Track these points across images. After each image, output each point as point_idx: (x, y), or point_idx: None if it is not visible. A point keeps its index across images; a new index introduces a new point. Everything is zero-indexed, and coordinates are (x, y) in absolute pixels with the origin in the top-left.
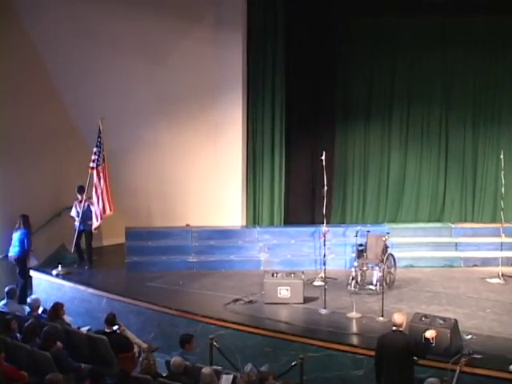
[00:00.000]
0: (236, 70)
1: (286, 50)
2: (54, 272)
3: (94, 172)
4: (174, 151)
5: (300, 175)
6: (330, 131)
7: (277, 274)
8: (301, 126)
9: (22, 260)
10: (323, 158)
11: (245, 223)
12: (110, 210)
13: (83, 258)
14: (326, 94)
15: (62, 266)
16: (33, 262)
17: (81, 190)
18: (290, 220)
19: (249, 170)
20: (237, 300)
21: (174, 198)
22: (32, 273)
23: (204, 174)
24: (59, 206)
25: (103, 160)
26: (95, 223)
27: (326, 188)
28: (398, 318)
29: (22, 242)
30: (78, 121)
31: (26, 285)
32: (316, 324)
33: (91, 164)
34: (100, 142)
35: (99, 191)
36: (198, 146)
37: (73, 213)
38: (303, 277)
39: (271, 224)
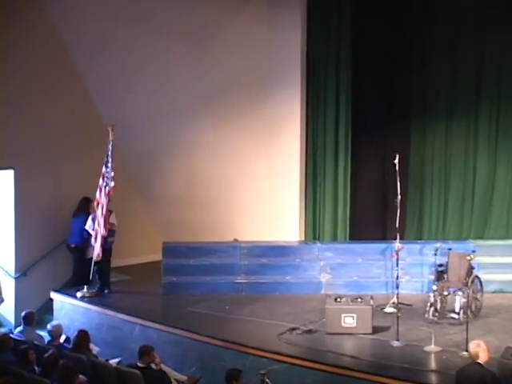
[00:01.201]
0: (293, 58)
1: (353, 36)
2: (79, 294)
3: (101, 190)
4: (219, 154)
5: (369, 182)
6: (405, 131)
7: (340, 298)
8: (370, 125)
9: (80, 249)
10: (396, 161)
11: (303, 238)
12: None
13: (101, 281)
14: (400, 88)
15: (88, 288)
16: (93, 252)
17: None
18: (357, 235)
19: (308, 177)
20: (293, 329)
21: (220, 209)
22: (52, 295)
23: (255, 181)
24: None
25: (112, 180)
26: (98, 249)
27: (399, 197)
28: (473, 348)
29: (81, 230)
30: (109, 119)
31: (81, 278)
32: (387, 359)
33: (100, 182)
34: (109, 160)
35: (104, 211)
36: (248, 148)
37: (88, 225)
38: (372, 302)
39: (334, 240)
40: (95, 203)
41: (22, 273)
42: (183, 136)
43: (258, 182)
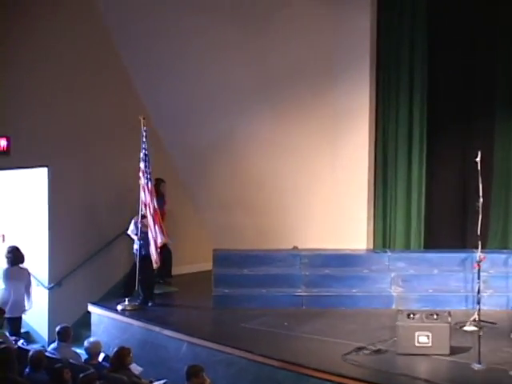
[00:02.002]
0: (361, 41)
1: (429, 15)
2: (120, 307)
3: (145, 190)
4: (277, 151)
5: (446, 184)
6: (488, 125)
7: (414, 314)
8: (448, 119)
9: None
10: (478, 160)
11: (371, 246)
12: (165, 239)
13: (145, 293)
14: (484, 76)
15: (129, 300)
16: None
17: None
18: (432, 243)
19: (377, 177)
20: (360, 349)
21: (278, 213)
22: (90, 308)
23: (317, 181)
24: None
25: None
26: (154, 255)
27: (481, 200)
28: None
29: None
30: (155, 113)
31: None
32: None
33: (141, 181)
34: (146, 152)
35: (152, 211)
36: (311, 144)
37: (130, 230)
38: (450, 319)
39: (407, 248)
40: (141, 205)
41: (57, 283)
42: (237, 131)
43: (320, 183)
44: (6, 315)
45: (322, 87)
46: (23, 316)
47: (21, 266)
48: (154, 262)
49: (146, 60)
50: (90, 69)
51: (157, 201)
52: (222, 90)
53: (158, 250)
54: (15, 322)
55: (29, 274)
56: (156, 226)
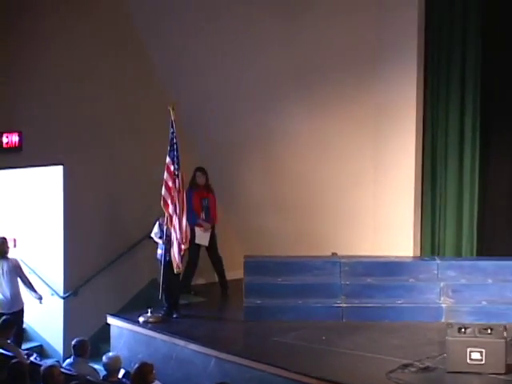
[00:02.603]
0: (409, 28)
1: (483, 8)
2: (141, 319)
3: (172, 188)
4: (315, 148)
5: (502, 184)
6: None
7: (466, 328)
8: (504, 113)
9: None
10: None
11: (418, 253)
12: (186, 242)
13: (169, 303)
14: None
15: (152, 312)
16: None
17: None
18: (486, 249)
19: (425, 177)
20: (406, 366)
21: (315, 216)
22: (109, 319)
23: (359, 182)
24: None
25: (178, 168)
26: (176, 259)
27: None
28: None
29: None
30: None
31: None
32: None
33: (165, 175)
34: (174, 142)
35: (178, 211)
36: (352, 141)
37: (154, 232)
38: (505, 334)
39: (458, 255)
40: (162, 203)
41: (73, 291)
42: (270, 126)
43: (362, 183)
44: (3, 311)
45: (364, 78)
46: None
47: (8, 257)
48: (175, 266)
49: (172, 51)
50: (111, 57)
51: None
52: (254, 83)
53: (182, 252)
54: (15, 318)
55: (18, 264)
56: (180, 230)
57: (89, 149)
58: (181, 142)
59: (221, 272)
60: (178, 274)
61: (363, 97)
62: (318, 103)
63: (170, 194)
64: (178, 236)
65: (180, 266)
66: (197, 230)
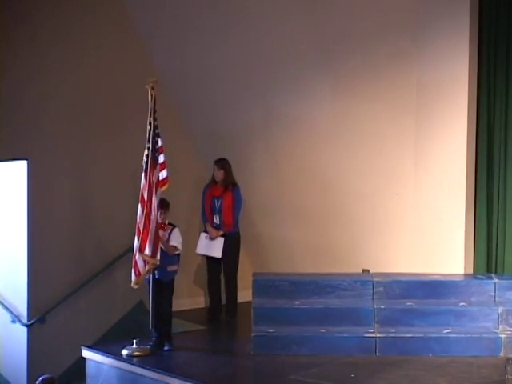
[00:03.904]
0: None
1: None
2: (125, 352)
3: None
4: (340, 140)
5: None
6: None
7: None
8: None
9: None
10: None
11: (471, 271)
12: (152, 254)
13: (159, 332)
14: None
15: (138, 343)
16: None
17: (164, 206)
18: None
19: (479, 175)
20: None
21: (342, 225)
22: (85, 353)
23: (396, 183)
24: None
25: (153, 163)
26: (132, 275)
27: None
28: None
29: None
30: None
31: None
32: None
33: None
34: (153, 130)
35: (142, 215)
36: (386, 132)
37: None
38: None
39: None
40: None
41: (39, 318)
42: (283, 112)
43: (400, 186)
44: None
45: (405, 53)
46: None
47: None
48: (132, 282)
49: (163, 23)
50: (91, 36)
51: None
52: (263, 58)
53: (147, 268)
54: None
55: None
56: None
57: (59, 142)
58: (175, 131)
59: (229, 293)
60: (171, 296)
61: (401, 74)
62: (345, 82)
63: (141, 193)
64: (146, 247)
65: (137, 282)
66: (201, 236)
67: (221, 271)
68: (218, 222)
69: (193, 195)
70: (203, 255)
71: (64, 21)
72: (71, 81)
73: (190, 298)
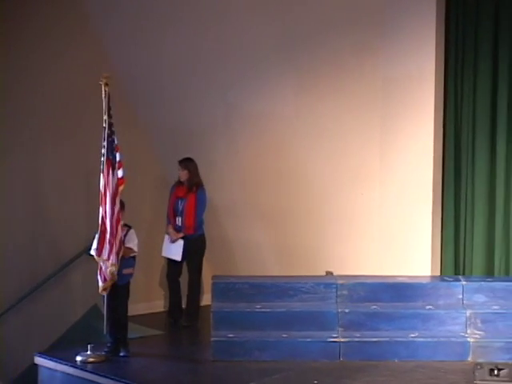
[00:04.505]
0: None
1: None
2: (79, 358)
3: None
4: (303, 138)
5: None
6: None
7: (499, 370)
8: None
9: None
10: None
11: (438, 272)
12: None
13: (114, 338)
14: None
15: (93, 349)
16: None
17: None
18: None
19: (446, 174)
20: None
21: (304, 225)
22: (37, 360)
23: (361, 182)
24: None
25: (109, 162)
26: (100, 280)
27: None
28: None
29: None
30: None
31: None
32: None
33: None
34: (108, 128)
35: (106, 218)
36: (351, 130)
37: (94, 249)
38: None
39: (488, 274)
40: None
41: None
42: (245, 110)
43: (366, 183)
44: None
45: (371, 48)
46: None
47: None
48: (100, 288)
49: (119, 17)
50: (44, 33)
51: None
52: (222, 53)
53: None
54: None
55: None
56: (113, 237)
57: (10, 140)
58: (134, 130)
59: (189, 297)
60: (126, 300)
61: (367, 70)
62: (308, 79)
63: (102, 193)
64: (112, 248)
65: (105, 289)
66: (165, 238)
67: (180, 274)
68: (179, 224)
69: (154, 195)
70: (167, 258)
71: (15, 17)
72: (23, 79)
73: (151, 301)
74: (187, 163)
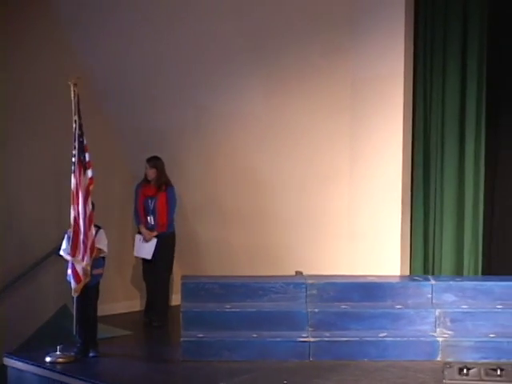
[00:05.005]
0: None
1: None
2: (49, 359)
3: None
4: (272, 137)
5: None
6: None
7: (468, 369)
8: None
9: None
10: None
11: (407, 272)
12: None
13: (84, 338)
14: None
15: (62, 349)
16: None
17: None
18: (495, 267)
19: (416, 173)
20: None
21: (273, 225)
22: (6, 360)
23: (330, 183)
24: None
25: (80, 162)
26: (72, 281)
27: None
28: None
29: None
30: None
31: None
32: None
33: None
34: (78, 128)
35: (79, 218)
36: (319, 130)
37: (63, 249)
38: None
39: (458, 274)
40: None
41: None
42: (213, 109)
43: (335, 183)
44: None
45: (340, 49)
46: None
47: None
48: (72, 291)
49: (88, 17)
50: (13, 32)
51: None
52: (190, 53)
53: (85, 271)
54: None
55: None
56: (86, 238)
57: None
58: (104, 130)
59: (160, 296)
60: (96, 300)
61: (336, 71)
62: (278, 79)
63: (75, 193)
64: (86, 248)
65: (78, 290)
66: (136, 238)
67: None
68: (152, 223)
69: (123, 195)
70: (142, 258)
71: None
72: None
73: (128, 300)
74: (155, 161)
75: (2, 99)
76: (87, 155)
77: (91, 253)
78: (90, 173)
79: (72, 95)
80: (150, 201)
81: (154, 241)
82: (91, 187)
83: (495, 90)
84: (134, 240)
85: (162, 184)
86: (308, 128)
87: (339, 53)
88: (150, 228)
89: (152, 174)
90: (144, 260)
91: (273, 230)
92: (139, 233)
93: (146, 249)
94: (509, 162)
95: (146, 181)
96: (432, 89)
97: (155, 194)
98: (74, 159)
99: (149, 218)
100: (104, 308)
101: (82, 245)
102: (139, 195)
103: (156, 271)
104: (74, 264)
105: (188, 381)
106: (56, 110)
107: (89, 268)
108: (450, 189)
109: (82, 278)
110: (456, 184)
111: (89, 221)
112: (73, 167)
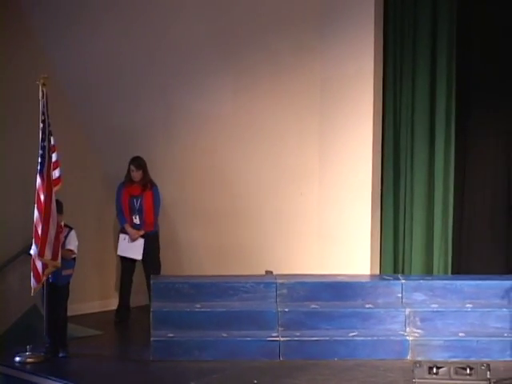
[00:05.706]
0: None
1: None
2: (18, 359)
3: (38, 180)
4: (241, 137)
5: (484, 184)
6: None
7: (438, 368)
8: (486, 93)
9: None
10: None
11: (377, 271)
12: (53, 257)
13: (53, 338)
14: None
15: (32, 349)
16: None
17: (58, 208)
18: (464, 266)
19: (385, 173)
20: None
21: (242, 225)
22: None
23: (300, 181)
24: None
25: (49, 162)
26: (33, 282)
27: None
28: None
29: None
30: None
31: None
32: None
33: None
34: (46, 128)
35: (40, 217)
36: (289, 128)
37: (33, 249)
38: (489, 375)
39: (428, 273)
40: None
41: None
42: (185, 108)
43: (304, 182)
44: None
45: (309, 48)
46: None
47: None
48: (32, 290)
49: (56, 17)
50: None
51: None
52: (158, 51)
53: (43, 270)
54: None
55: None
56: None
57: None
58: (71, 130)
59: None
60: (66, 300)
61: (305, 69)
62: (246, 77)
63: (37, 194)
64: (45, 250)
65: (35, 289)
66: (120, 238)
67: (134, 272)
68: (138, 222)
69: (98, 194)
70: (123, 257)
71: None
72: None
73: (104, 299)
74: (140, 162)
75: None
76: (54, 155)
77: (56, 251)
78: (56, 173)
79: (40, 95)
80: (135, 200)
81: (141, 240)
82: (57, 187)
83: (465, 91)
84: (114, 239)
85: (147, 183)
86: (277, 127)
87: (309, 52)
88: (136, 227)
89: (139, 175)
90: (126, 259)
91: (242, 229)
92: (123, 232)
93: (134, 249)
94: (477, 163)
95: (130, 181)
96: (402, 88)
97: (141, 193)
98: (40, 159)
99: (134, 217)
100: (80, 307)
101: (50, 245)
102: (123, 195)
103: (147, 270)
104: (35, 262)
105: (158, 380)
106: (24, 110)
107: (54, 263)
108: (419, 189)
109: (41, 277)
110: (425, 184)
111: (53, 220)
112: (38, 167)
